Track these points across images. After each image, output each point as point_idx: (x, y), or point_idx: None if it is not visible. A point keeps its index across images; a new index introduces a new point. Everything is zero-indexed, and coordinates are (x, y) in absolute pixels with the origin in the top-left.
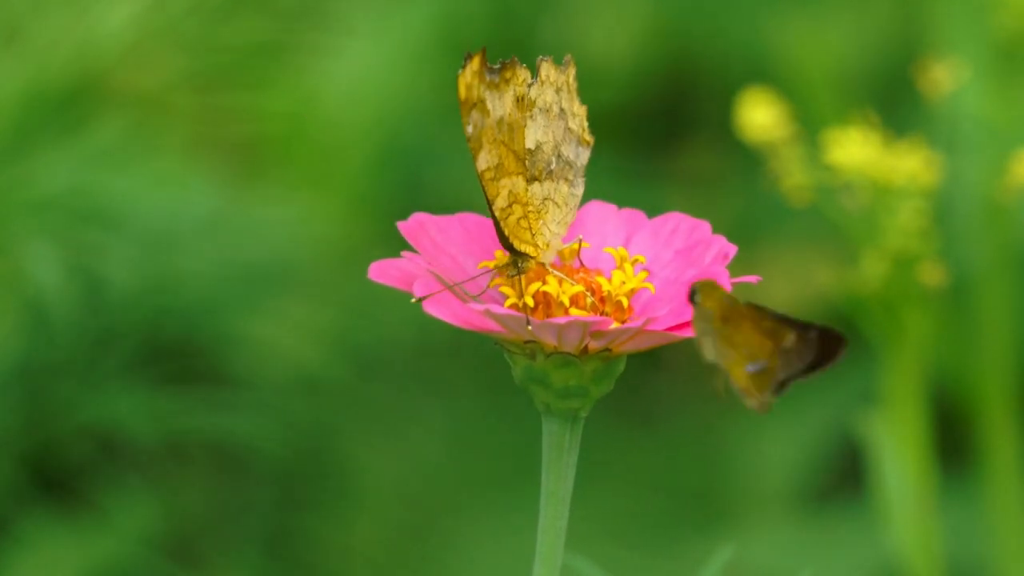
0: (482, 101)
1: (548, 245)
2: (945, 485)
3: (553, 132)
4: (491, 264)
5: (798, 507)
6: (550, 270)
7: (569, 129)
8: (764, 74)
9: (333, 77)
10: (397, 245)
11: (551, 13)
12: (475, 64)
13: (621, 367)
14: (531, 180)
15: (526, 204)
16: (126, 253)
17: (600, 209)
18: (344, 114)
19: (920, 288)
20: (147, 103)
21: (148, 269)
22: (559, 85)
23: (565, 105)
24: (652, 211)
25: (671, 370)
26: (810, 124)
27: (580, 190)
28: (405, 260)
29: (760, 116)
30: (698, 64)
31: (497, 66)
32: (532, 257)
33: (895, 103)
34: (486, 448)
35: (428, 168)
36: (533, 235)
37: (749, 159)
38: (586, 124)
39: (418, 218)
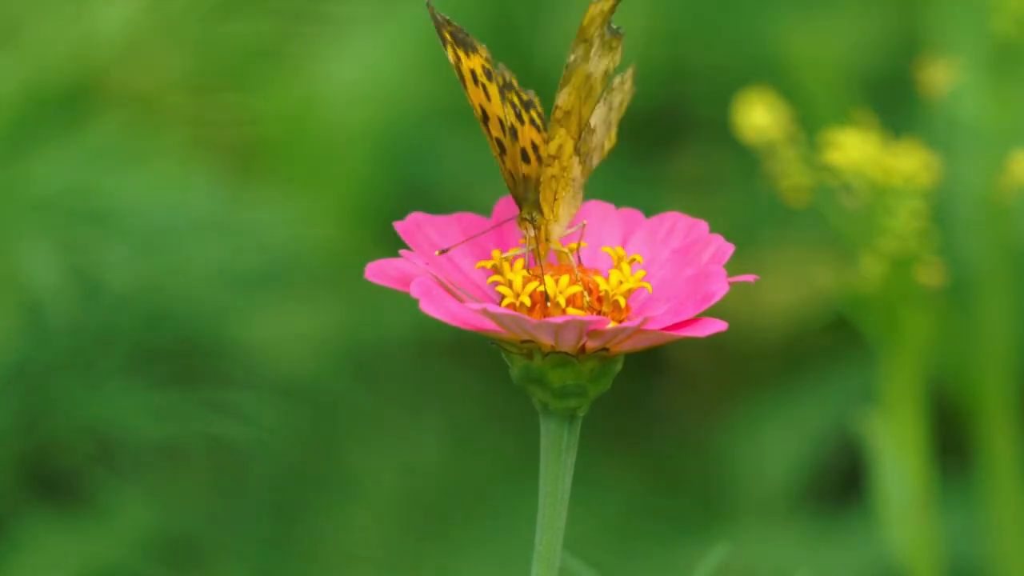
0: (591, 44)
1: (558, 219)
2: (945, 485)
3: (600, 132)
4: (488, 264)
5: (798, 507)
6: (559, 245)
7: (603, 144)
8: (763, 75)
9: (331, 78)
10: (396, 245)
11: (550, 16)
12: (607, 5)
13: (619, 366)
14: (577, 152)
15: (564, 169)
16: (124, 253)
17: (598, 208)
18: (343, 115)
19: (919, 288)
20: (145, 103)
21: (146, 269)
22: (622, 99)
23: (613, 119)
24: (651, 212)
25: (670, 370)
26: (808, 125)
27: (580, 200)
28: (402, 260)
29: (759, 117)
30: (697, 65)
31: (615, 28)
32: (544, 220)
33: (893, 104)
34: (485, 447)
35: (427, 168)
36: (555, 199)
37: (748, 160)
38: (606, 154)
39: (415, 218)
